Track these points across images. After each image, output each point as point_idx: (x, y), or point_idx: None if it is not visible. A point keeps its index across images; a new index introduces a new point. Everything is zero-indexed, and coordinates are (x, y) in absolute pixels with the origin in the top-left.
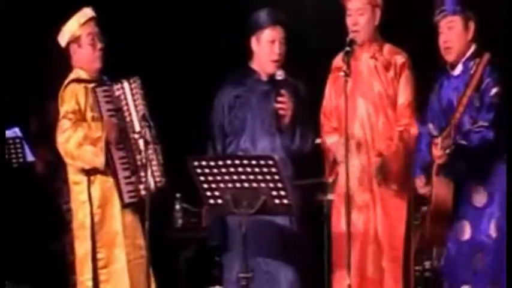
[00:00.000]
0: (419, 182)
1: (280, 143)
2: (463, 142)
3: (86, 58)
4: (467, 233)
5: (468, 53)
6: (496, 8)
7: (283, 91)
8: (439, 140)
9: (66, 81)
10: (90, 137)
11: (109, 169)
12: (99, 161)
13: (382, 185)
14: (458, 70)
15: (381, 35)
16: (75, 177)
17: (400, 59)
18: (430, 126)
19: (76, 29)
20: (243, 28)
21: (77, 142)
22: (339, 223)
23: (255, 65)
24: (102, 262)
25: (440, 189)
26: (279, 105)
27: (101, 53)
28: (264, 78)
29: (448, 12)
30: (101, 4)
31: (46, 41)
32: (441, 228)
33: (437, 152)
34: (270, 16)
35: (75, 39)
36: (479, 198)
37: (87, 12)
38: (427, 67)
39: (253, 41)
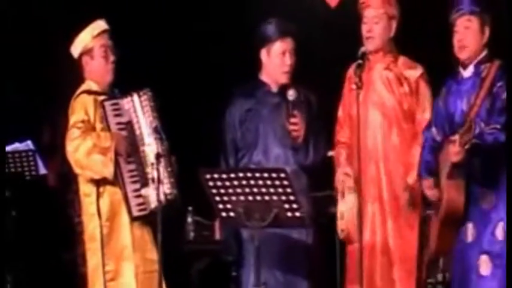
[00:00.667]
0: (427, 184)
1: (293, 155)
2: (478, 141)
3: (98, 70)
4: (471, 235)
5: (480, 56)
6: (505, 18)
7: (295, 112)
8: (456, 137)
9: (77, 92)
10: (99, 146)
11: (117, 181)
12: (108, 171)
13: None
14: (469, 72)
15: (396, 48)
16: (85, 189)
17: (415, 73)
18: (434, 130)
19: (89, 40)
20: (253, 40)
21: (86, 151)
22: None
23: (264, 76)
24: (110, 275)
25: (452, 194)
26: (292, 127)
27: (113, 66)
28: (274, 89)
29: (465, 11)
30: (111, 16)
31: (57, 51)
32: (450, 234)
33: (454, 148)
34: (279, 28)
35: (88, 51)
36: (488, 200)
37: (101, 25)
38: (441, 81)
39: (263, 53)
